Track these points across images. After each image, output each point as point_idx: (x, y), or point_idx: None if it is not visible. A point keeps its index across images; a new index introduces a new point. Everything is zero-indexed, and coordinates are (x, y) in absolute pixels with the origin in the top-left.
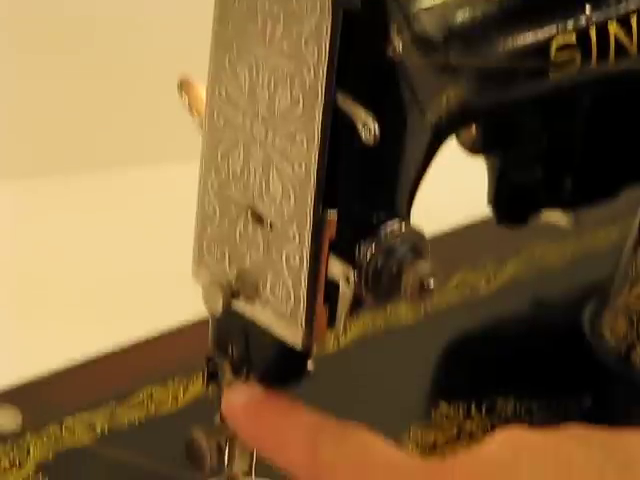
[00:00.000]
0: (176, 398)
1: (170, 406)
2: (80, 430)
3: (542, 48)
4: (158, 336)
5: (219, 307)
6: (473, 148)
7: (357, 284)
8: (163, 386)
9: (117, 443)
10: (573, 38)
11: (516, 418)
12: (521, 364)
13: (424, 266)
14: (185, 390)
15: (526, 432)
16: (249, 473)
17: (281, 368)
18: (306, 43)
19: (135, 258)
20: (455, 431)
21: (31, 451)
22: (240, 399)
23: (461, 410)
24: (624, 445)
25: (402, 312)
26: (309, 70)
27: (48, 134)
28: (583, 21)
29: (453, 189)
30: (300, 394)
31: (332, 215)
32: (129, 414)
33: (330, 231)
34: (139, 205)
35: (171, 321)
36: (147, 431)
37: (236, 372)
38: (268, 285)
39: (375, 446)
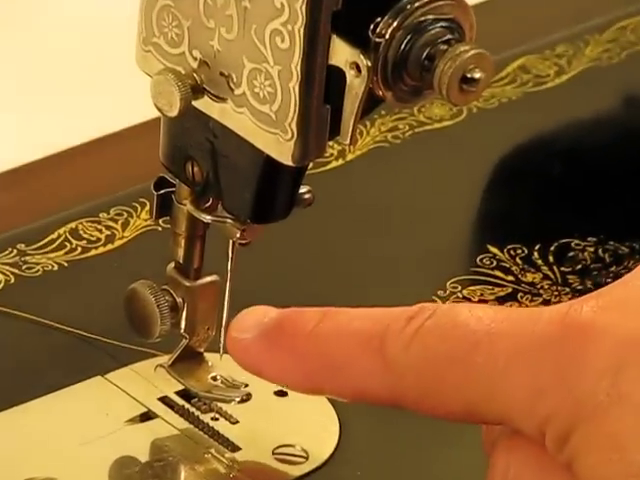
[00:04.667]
0: (111, 236)
1: (103, 248)
2: None
3: None
4: (84, 146)
5: (175, 107)
6: None
7: (371, 75)
8: (93, 219)
9: (28, 299)
10: None
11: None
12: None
13: (467, 50)
14: (125, 225)
15: None
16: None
17: (263, 196)
18: None
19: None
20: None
21: None
22: (250, 332)
23: (519, 257)
24: None
25: (435, 113)
26: None
27: None
28: None
29: None
30: (292, 226)
31: None
32: (43, 259)
33: None
34: None
35: (107, 126)
36: (70, 283)
37: (197, 200)
38: (244, 77)
39: (458, 316)
